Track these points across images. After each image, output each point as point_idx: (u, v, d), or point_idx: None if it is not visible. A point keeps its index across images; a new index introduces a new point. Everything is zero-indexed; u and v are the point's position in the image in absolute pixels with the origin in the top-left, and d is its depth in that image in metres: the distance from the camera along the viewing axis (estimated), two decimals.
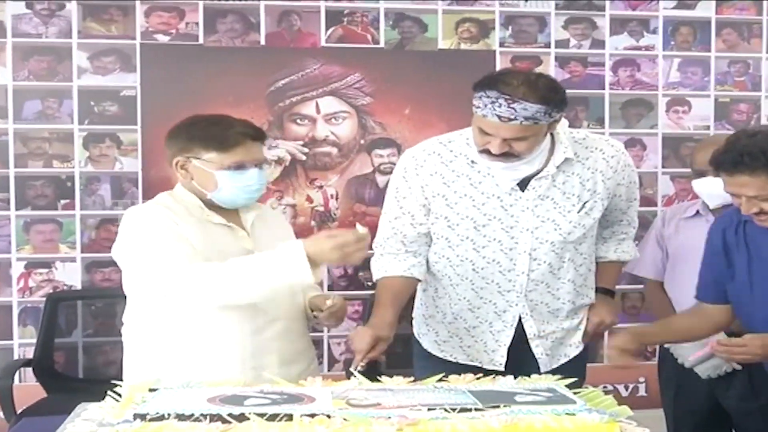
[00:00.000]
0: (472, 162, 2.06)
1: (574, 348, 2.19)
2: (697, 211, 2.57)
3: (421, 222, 2.11)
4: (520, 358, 2.11)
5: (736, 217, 1.98)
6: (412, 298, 2.25)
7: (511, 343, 2.12)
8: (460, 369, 1.88)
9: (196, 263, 1.86)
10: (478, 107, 1.93)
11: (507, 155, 1.95)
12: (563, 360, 2.17)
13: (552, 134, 2.04)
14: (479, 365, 2.12)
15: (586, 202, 2.08)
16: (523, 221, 2.06)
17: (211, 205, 1.99)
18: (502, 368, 2.09)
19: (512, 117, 1.88)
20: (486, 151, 1.96)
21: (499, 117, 1.88)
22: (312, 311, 2.08)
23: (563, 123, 2.10)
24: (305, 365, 2.06)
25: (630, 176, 2.16)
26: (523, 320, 2.11)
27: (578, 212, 2.07)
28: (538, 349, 2.13)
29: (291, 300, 2.05)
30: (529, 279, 2.08)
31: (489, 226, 2.06)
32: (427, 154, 2.10)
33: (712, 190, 2.41)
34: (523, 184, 2.05)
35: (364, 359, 1.94)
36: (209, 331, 1.92)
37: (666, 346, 2.50)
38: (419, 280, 2.16)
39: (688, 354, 2.38)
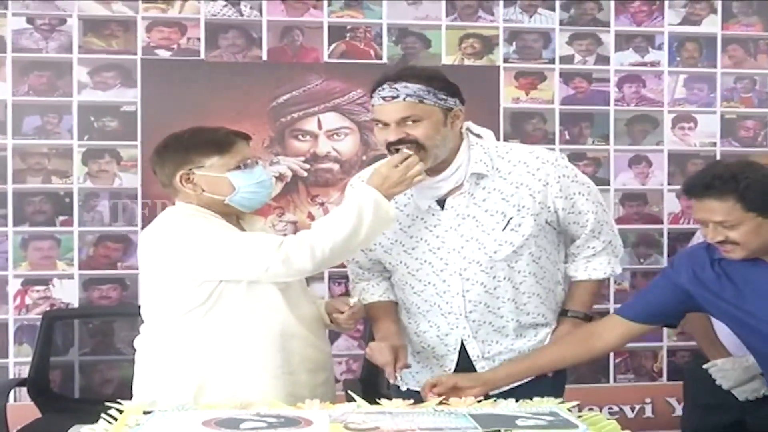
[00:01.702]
0: None
1: None
2: None
3: (370, 249, 2.12)
4: None
5: (707, 255, 1.97)
6: None
7: (458, 368, 2.08)
8: (412, 397, 1.82)
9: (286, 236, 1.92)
10: (371, 103, 2.02)
11: (407, 143, 1.95)
12: (515, 383, 2.06)
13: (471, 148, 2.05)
14: None
15: (512, 218, 2.03)
16: (449, 241, 2.05)
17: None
18: None
19: (395, 95, 1.95)
20: (389, 146, 1.98)
21: (384, 98, 1.96)
22: (328, 314, 2.09)
23: (488, 135, 2.11)
24: (329, 373, 2.09)
25: (570, 188, 2.07)
26: (465, 343, 2.08)
27: (503, 230, 2.03)
28: (483, 371, 2.07)
29: (312, 307, 2.07)
30: (465, 300, 2.05)
31: (418, 248, 2.07)
32: (361, 181, 2.11)
33: None
34: (443, 204, 2.05)
35: (397, 370, 1.95)
36: (244, 340, 1.92)
37: (704, 367, 2.50)
38: (397, 302, 2.18)
39: (730, 378, 2.43)
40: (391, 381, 1.96)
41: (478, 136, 2.11)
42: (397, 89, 1.95)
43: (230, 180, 1.95)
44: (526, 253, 2.05)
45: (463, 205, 2.04)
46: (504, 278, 2.05)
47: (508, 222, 2.03)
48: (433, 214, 2.06)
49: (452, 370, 2.09)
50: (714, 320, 2.55)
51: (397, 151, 1.96)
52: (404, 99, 1.94)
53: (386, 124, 1.97)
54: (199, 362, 1.92)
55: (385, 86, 1.97)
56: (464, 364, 2.09)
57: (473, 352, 2.08)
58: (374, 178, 1.94)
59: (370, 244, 2.08)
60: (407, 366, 2.01)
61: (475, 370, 2.08)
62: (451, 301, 2.06)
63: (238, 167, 1.96)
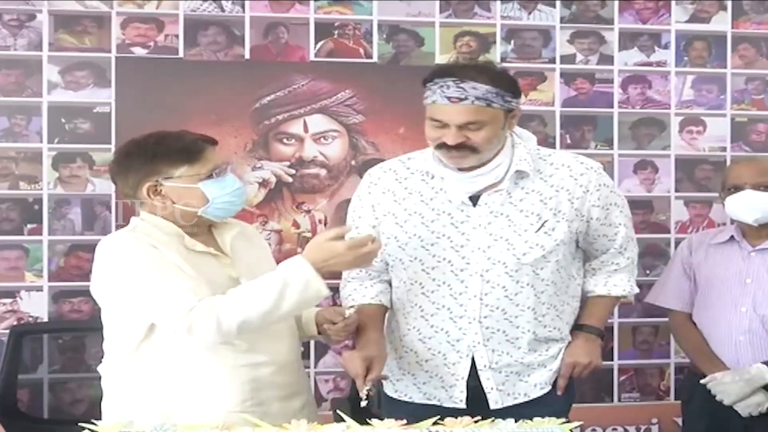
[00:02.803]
0: (428, 176, 2.07)
1: (537, 389, 2.11)
2: (731, 237, 2.61)
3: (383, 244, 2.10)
4: (478, 394, 2.08)
5: None
6: None
7: (470, 377, 2.08)
8: (416, 410, 1.84)
9: (203, 298, 1.83)
10: (428, 97, 1.98)
11: (465, 148, 1.96)
12: (521, 399, 2.10)
13: (514, 147, 2.06)
14: (438, 404, 2.09)
15: (547, 221, 2.05)
16: (475, 240, 2.05)
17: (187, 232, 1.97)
18: (462, 405, 2.06)
19: (462, 97, 1.92)
20: (442, 146, 1.97)
21: (449, 98, 1.93)
22: (318, 324, 2.08)
23: (529, 138, 2.13)
24: (305, 397, 2.07)
25: (608, 198, 2.11)
26: (474, 350, 2.08)
27: (536, 231, 2.04)
28: (488, 382, 2.08)
29: (289, 330, 2.05)
30: (482, 304, 2.05)
31: (438, 245, 2.06)
32: (383, 172, 2.13)
33: (751, 203, 2.48)
34: (476, 200, 2.05)
35: (367, 382, 1.95)
36: (207, 371, 1.90)
37: (702, 382, 2.52)
38: (389, 308, 2.17)
39: (730, 392, 2.44)
40: (360, 394, 1.95)
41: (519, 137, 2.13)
42: (464, 90, 1.93)
43: (203, 191, 1.93)
44: (554, 260, 2.07)
45: (498, 202, 2.05)
46: (527, 284, 2.06)
47: (543, 224, 2.05)
48: (462, 210, 2.06)
49: (464, 378, 2.09)
50: (708, 332, 2.58)
51: (447, 147, 1.95)
52: (472, 102, 1.93)
53: (446, 125, 1.96)
54: (161, 398, 1.90)
55: (450, 83, 1.94)
56: (475, 375, 2.09)
57: (480, 360, 2.08)
58: (327, 252, 1.86)
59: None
60: (384, 377, 2.02)
61: (479, 380, 2.08)
62: (466, 303, 2.06)
63: (210, 176, 1.94)
